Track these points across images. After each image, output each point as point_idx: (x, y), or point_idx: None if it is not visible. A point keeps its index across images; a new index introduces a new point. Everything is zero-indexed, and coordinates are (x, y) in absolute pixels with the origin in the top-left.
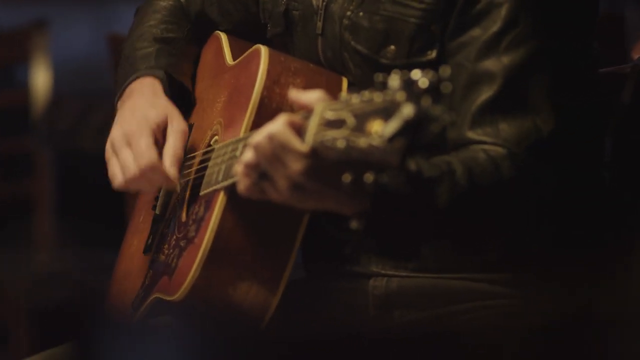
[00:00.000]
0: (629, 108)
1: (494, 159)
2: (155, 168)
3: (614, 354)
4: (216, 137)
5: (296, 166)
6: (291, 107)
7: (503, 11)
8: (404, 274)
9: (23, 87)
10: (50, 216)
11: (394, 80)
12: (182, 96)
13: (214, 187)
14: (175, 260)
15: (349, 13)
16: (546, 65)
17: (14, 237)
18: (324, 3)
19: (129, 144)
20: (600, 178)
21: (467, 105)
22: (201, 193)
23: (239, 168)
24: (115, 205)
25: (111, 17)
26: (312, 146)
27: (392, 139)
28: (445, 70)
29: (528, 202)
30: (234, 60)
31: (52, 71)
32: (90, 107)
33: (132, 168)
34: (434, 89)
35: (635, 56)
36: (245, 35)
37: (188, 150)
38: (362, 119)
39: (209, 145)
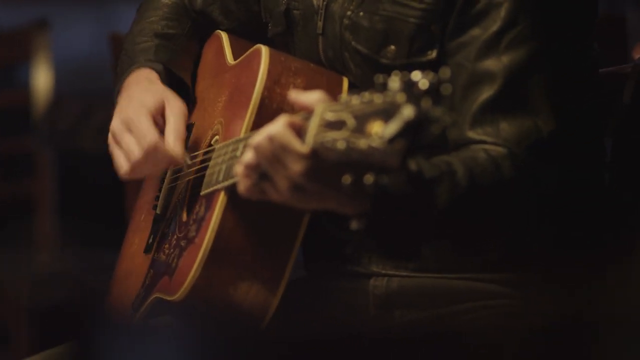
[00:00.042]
0: (630, 108)
1: (494, 158)
2: (159, 147)
3: (613, 355)
4: (217, 137)
5: (296, 167)
6: (292, 107)
7: (502, 11)
8: (404, 273)
9: (24, 87)
10: (51, 216)
11: (394, 82)
12: (181, 92)
13: (215, 187)
14: (175, 260)
15: (349, 13)
16: (546, 65)
17: (15, 237)
18: (324, 3)
19: (129, 129)
20: (601, 178)
21: (467, 105)
22: (202, 193)
23: (239, 169)
24: (115, 205)
25: (112, 17)
26: (312, 147)
27: (392, 140)
28: (445, 72)
29: (528, 202)
30: (235, 59)
31: (53, 71)
32: (91, 107)
33: (136, 151)
34: (434, 91)
35: (636, 56)
36: (247, 34)
37: (189, 150)
38: (362, 120)
39: (210, 144)
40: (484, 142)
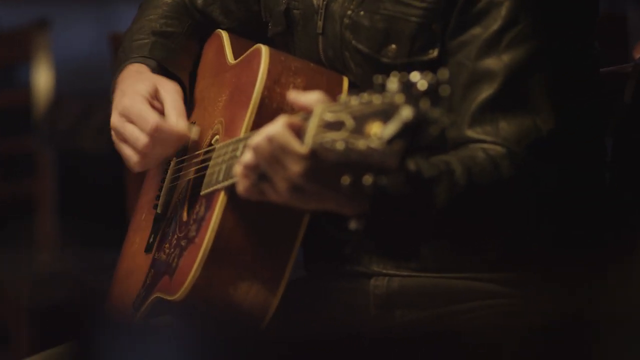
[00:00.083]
0: (630, 107)
1: (493, 158)
2: (163, 126)
3: (613, 354)
4: (217, 137)
5: (295, 168)
6: (292, 107)
7: (503, 10)
8: (405, 273)
9: (24, 87)
10: (52, 216)
11: (393, 83)
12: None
13: (215, 187)
14: (176, 259)
15: (349, 12)
16: (547, 64)
17: (15, 237)
18: (324, 2)
19: (129, 119)
20: (601, 178)
21: (467, 104)
22: (202, 193)
23: (238, 169)
24: (115, 205)
25: (112, 17)
26: (312, 148)
27: (391, 141)
28: (444, 73)
29: (527, 201)
30: (236, 59)
31: (54, 71)
32: (91, 107)
33: (141, 137)
34: (432, 92)
35: (637, 55)
36: (247, 34)
37: (189, 149)
38: (361, 120)
39: (210, 144)
40: (483, 141)
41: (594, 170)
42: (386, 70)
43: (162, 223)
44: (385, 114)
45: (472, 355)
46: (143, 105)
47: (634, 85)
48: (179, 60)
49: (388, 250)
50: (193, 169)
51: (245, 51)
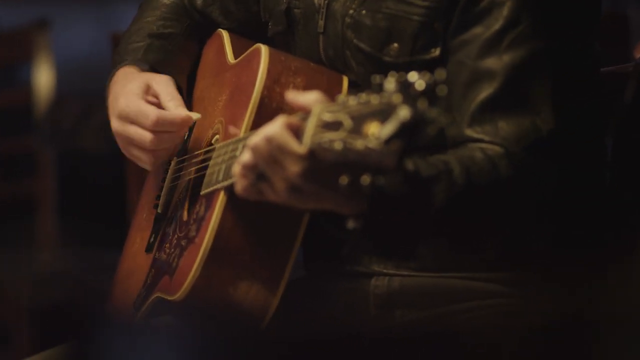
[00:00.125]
0: (631, 107)
1: (491, 158)
2: (164, 117)
3: (613, 354)
4: (217, 136)
5: (294, 168)
6: (292, 107)
7: (505, 10)
8: (405, 273)
9: (25, 87)
10: (52, 216)
11: (390, 83)
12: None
13: (215, 187)
14: (176, 259)
15: (351, 11)
16: (547, 65)
17: (15, 236)
18: (326, 1)
19: (129, 121)
20: (601, 177)
21: (467, 103)
22: (202, 192)
23: (236, 169)
24: (116, 205)
25: (113, 17)
26: (310, 148)
27: (388, 141)
28: (441, 73)
29: (526, 201)
30: (236, 58)
31: (54, 71)
32: (91, 107)
33: (146, 135)
34: (430, 91)
35: (637, 55)
36: (247, 34)
37: (190, 149)
38: (359, 120)
39: (210, 144)
40: (482, 140)
41: (594, 170)
42: (388, 69)
43: (162, 223)
44: (383, 114)
45: (472, 355)
46: (139, 103)
47: (634, 85)
48: (175, 62)
49: (386, 250)
50: (193, 168)
51: (245, 51)
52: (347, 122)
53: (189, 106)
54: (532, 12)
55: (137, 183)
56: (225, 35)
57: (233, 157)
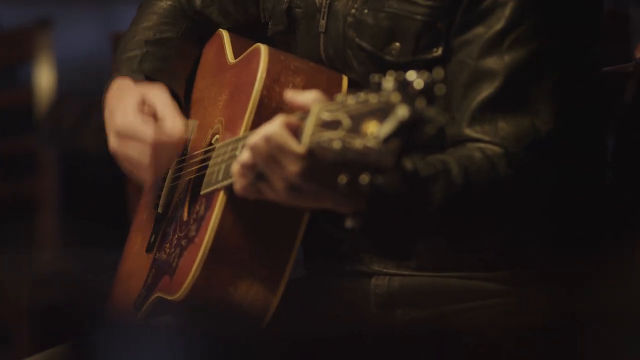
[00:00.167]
0: (631, 107)
1: (490, 158)
2: (162, 132)
3: (612, 354)
4: (217, 136)
5: (292, 167)
6: (291, 106)
7: (507, 10)
8: (406, 272)
9: (26, 87)
10: (53, 216)
11: (389, 82)
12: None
13: (214, 187)
14: (176, 259)
15: (353, 11)
16: (548, 65)
17: (16, 236)
18: (328, 1)
19: (127, 137)
20: (601, 177)
21: (467, 103)
22: (202, 192)
23: (235, 168)
24: (116, 205)
25: (114, 17)
26: (309, 147)
27: (387, 140)
28: (439, 72)
29: (524, 201)
30: (236, 58)
31: (55, 71)
32: (92, 107)
33: (145, 150)
34: (428, 91)
35: (638, 55)
36: (247, 34)
37: (190, 149)
38: (357, 120)
39: (210, 143)
40: (481, 140)
41: (594, 170)
42: (390, 68)
43: (163, 223)
44: (382, 113)
45: (472, 354)
46: (136, 119)
47: (634, 85)
48: (172, 68)
49: (384, 249)
50: (193, 168)
51: (245, 50)
52: (346, 121)
53: (189, 106)
54: (534, 13)
55: (137, 183)
56: (225, 35)
57: (233, 157)
